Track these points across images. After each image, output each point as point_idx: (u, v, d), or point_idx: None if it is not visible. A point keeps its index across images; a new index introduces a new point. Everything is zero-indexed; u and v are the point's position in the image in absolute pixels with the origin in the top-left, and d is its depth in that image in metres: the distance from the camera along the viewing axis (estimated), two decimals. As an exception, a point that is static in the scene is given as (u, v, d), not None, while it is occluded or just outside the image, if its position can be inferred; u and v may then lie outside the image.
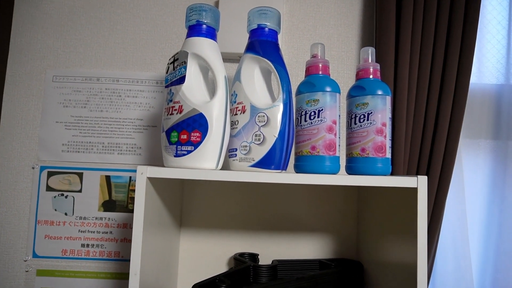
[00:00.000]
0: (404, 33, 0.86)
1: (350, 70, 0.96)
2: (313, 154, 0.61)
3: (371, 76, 0.66)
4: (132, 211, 0.91)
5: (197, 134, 0.58)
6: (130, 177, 0.92)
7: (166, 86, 0.63)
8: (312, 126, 0.61)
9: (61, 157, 0.92)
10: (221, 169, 0.60)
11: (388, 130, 0.63)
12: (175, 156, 0.59)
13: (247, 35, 0.66)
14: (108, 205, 0.91)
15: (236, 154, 0.62)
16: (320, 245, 0.88)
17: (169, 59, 0.64)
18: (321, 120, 0.61)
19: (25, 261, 0.90)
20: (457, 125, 0.88)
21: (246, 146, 0.61)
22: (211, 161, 0.59)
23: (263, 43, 0.63)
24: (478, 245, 1.05)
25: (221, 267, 0.87)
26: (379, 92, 0.63)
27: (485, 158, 1.06)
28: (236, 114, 0.63)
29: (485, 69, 1.07)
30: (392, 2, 0.87)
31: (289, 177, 0.57)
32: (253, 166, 0.60)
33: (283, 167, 0.61)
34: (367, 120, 0.63)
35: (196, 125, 0.58)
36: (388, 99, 0.64)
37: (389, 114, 0.64)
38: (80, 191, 0.91)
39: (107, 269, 0.90)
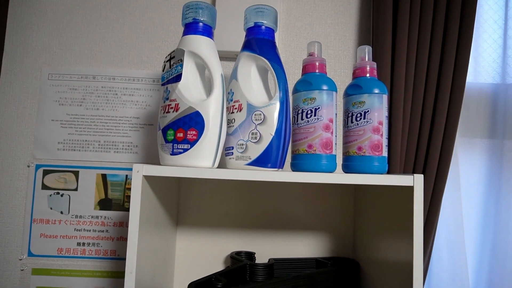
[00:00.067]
0: (401, 32, 0.86)
1: (347, 69, 0.96)
2: (310, 153, 0.61)
3: (367, 75, 0.66)
4: (128, 209, 0.90)
5: (194, 132, 0.58)
6: (127, 175, 0.91)
7: (163, 84, 0.63)
8: (309, 124, 0.61)
9: (57, 156, 0.91)
10: (217, 168, 0.60)
11: (384, 129, 0.63)
12: (171, 154, 0.59)
13: (244, 33, 0.66)
14: (104, 204, 0.91)
15: (232, 153, 0.62)
16: (316, 244, 0.88)
17: (166, 57, 0.63)
18: (318, 119, 0.61)
19: (20, 260, 0.89)
20: (453, 124, 0.88)
21: (242, 144, 0.61)
22: (208, 160, 0.59)
23: (260, 41, 0.63)
24: (474, 244, 1.05)
25: (218, 266, 0.87)
26: (376, 91, 0.63)
27: (481, 157, 1.06)
28: (232, 112, 0.63)
29: (481, 68, 1.07)
30: (389, 1, 0.88)
31: (285, 175, 0.57)
32: (250, 164, 0.60)
33: (279, 165, 0.61)
34: (364, 118, 0.63)
35: (192, 123, 0.58)
36: (385, 97, 0.64)
37: (385, 113, 0.64)
38: (76, 189, 0.91)
39: (103, 267, 0.90)
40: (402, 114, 0.86)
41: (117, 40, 0.95)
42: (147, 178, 0.58)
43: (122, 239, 0.90)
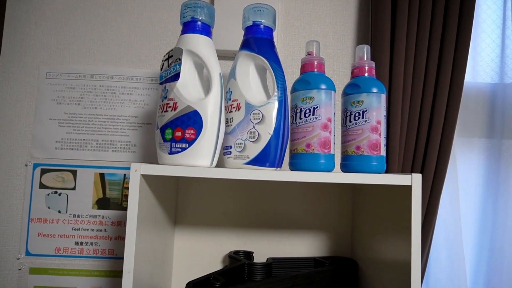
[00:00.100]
0: (399, 31, 0.86)
1: (345, 68, 0.96)
2: (308, 152, 0.61)
3: (366, 74, 0.66)
4: (126, 209, 0.89)
5: (192, 131, 0.58)
6: (125, 174, 0.91)
7: (161, 83, 0.63)
8: (307, 123, 0.61)
9: (55, 155, 0.91)
10: (215, 167, 0.60)
11: (383, 128, 0.63)
12: (169, 154, 0.59)
13: (242, 32, 0.66)
14: (102, 203, 0.90)
15: (230, 152, 0.62)
16: (314, 243, 0.88)
17: (164, 56, 0.63)
18: (316, 118, 0.61)
19: (18, 259, 0.89)
20: (451, 124, 0.88)
21: (240, 143, 0.61)
22: (206, 159, 0.59)
23: (258, 40, 0.63)
24: (472, 243, 1.06)
25: (216, 265, 0.87)
26: (374, 90, 0.63)
27: (479, 157, 1.07)
28: (231, 111, 0.63)
29: (479, 68, 1.07)
30: (388, 0, 0.87)
31: (283, 174, 0.57)
32: (248, 163, 0.60)
33: (278, 164, 0.61)
34: (362, 118, 0.63)
35: (190, 122, 0.58)
36: (383, 97, 0.64)
37: (384, 112, 0.64)
38: (74, 188, 0.90)
39: (101, 267, 0.90)
40: (401, 113, 0.86)
41: (115, 39, 0.95)
42: (145, 177, 0.58)
43: (120, 239, 0.90)
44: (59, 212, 0.90)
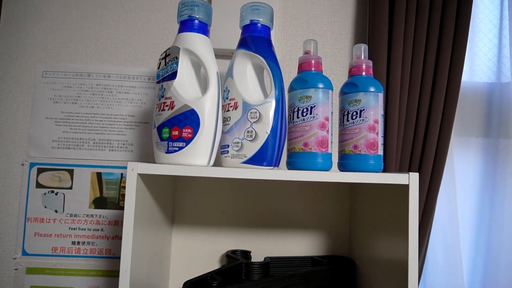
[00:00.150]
0: (396, 30, 0.87)
1: (343, 67, 0.96)
2: (306, 151, 0.61)
3: (363, 73, 0.66)
4: (123, 208, 0.90)
5: (189, 130, 0.58)
6: (122, 174, 0.91)
7: (158, 82, 0.62)
8: (305, 122, 0.61)
9: (51, 154, 0.91)
10: (213, 166, 0.60)
11: (380, 127, 0.63)
12: (166, 153, 0.59)
13: (240, 31, 0.66)
14: (99, 202, 0.90)
15: (228, 151, 0.62)
16: (312, 242, 0.88)
17: (161, 55, 0.63)
18: (314, 117, 0.61)
19: (14, 259, 0.88)
20: (448, 123, 0.89)
21: (238, 142, 0.61)
22: (203, 158, 0.59)
23: (255, 39, 0.63)
24: (469, 242, 1.06)
25: (214, 264, 0.87)
26: (372, 89, 0.63)
27: (476, 156, 1.07)
28: (228, 110, 0.63)
29: (476, 68, 1.08)
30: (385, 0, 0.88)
31: (281, 173, 0.57)
32: (245, 162, 0.60)
33: (275, 163, 0.61)
34: (360, 117, 0.63)
35: (187, 121, 0.58)
36: (381, 96, 0.64)
37: (381, 111, 0.64)
38: (70, 188, 0.90)
39: (98, 266, 0.89)
40: (398, 112, 0.86)
41: (112, 37, 0.94)
42: (142, 176, 0.58)
43: (117, 238, 0.90)
44: (56, 211, 0.89)
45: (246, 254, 0.84)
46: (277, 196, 0.89)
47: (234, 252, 0.83)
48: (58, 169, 0.90)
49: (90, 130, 0.92)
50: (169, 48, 0.62)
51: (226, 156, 0.62)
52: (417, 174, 0.58)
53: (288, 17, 0.96)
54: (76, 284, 0.89)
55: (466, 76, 1.06)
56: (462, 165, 1.06)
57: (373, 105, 0.63)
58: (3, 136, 0.91)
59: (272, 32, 0.66)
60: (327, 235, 0.89)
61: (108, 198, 0.90)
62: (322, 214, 0.89)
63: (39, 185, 0.90)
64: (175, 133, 0.58)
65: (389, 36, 0.88)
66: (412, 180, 0.58)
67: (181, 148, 0.58)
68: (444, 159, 0.89)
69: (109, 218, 0.90)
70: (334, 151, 0.65)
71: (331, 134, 0.63)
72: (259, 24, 0.63)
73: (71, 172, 0.90)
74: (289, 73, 0.94)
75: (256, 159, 0.59)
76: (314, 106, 0.61)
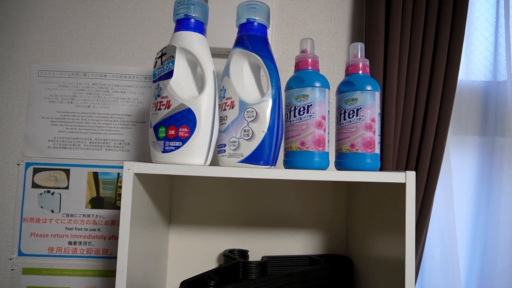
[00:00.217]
0: (393, 29, 0.87)
1: (339, 66, 0.96)
2: (302, 150, 0.61)
3: (360, 72, 0.66)
4: (120, 208, 0.89)
5: (185, 129, 0.57)
6: (118, 173, 0.91)
7: (154, 81, 0.62)
8: (302, 121, 0.61)
9: (47, 154, 0.90)
10: (209, 165, 0.60)
11: (377, 126, 0.63)
12: (163, 152, 0.59)
13: (236, 30, 0.66)
14: (96, 202, 0.90)
15: (225, 150, 0.62)
16: (309, 241, 0.88)
17: (157, 54, 0.63)
18: (311, 116, 0.61)
19: (10, 259, 0.88)
20: (445, 121, 0.89)
21: (235, 141, 0.60)
22: (200, 157, 0.58)
23: (252, 37, 0.62)
24: (466, 240, 1.06)
25: (211, 264, 0.87)
26: (368, 88, 0.63)
27: (473, 154, 1.07)
28: (225, 109, 0.62)
29: (473, 66, 1.08)
30: (382, -2, 0.88)
31: (278, 172, 0.57)
32: (242, 161, 0.60)
33: (272, 162, 0.61)
34: (356, 115, 0.63)
35: (184, 120, 0.57)
36: (377, 94, 0.64)
37: (378, 110, 0.64)
38: (67, 188, 0.90)
39: (95, 266, 0.89)
40: (395, 111, 0.87)
41: (109, 36, 0.94)
42: (139, 176, 0.57)
43: (114, 238, 0.89)
44: (52, 211, 0.89)
45: (244, 253, 0.84)
46: (274, 195, 0.89)
47: (231, 251, 0.83)
48: (54, 169, 0.90)
49: (87, 130, 0.91)
50: (165, 47, 0.61)
51: (223, 155, 0.62)
52: (414, 172, 0.58)
53: (284, 15, 0.96)
54: (73, 284, 0.88)
55: (463, 75, 1.06)
56: (458, 164, 1.06)
57: (370, 103, 0.63)
58: (-1, 136, 0.90)
59: (269, 31, 0.66)
60: (324, 234, 0.89)
61: (105, 198, 0.90)
62: (319, 213, 0.89)
63: (35, 185, 0.89)
64: (172, 132, 0.58)
65: (385, 35, 0.88)
66: (409, 178, 0.58)
67: (177, 147, 0.58)
68: (441, 158, 0.89)
69: (106, 218, 0.90)
70: (331, 150, 0.65)
71: (328, 133, 0.63)
72: (255, 23, 0.63)
73: (67, 172, 0.90)
74: (286, 72, 0.94)
75: (253, 158, 0.59)
76: (311, 105, 0.61)
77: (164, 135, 0.59)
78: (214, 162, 0.63)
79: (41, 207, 0.89)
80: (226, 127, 0.62)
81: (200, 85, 0.61)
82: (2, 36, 0.92)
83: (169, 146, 0.58)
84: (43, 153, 0.90)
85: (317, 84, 0.61)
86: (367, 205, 0.76)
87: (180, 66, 0.61)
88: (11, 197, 0.89)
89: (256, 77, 0.65)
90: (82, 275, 0.89)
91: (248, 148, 0.59)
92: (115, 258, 0.88)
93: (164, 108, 0.59)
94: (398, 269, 0.59)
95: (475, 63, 1.08)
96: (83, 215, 0.89)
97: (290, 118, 0.63)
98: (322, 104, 0.61)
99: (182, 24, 0.61)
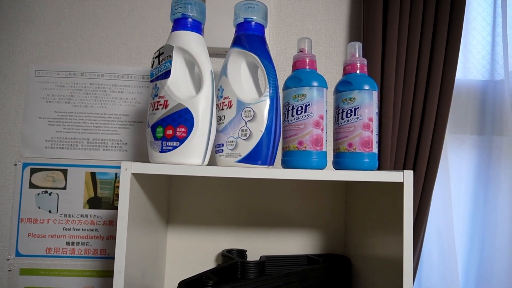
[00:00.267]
0: (391, 28, 0.87)
1: (337, 65, 0.96)
2: (300, 149, 0.61)
3: (358, 71, 0.66)
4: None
5: (183, 129, 0.57)
6: (116, 173, 0.90)
7: (151, 81, 0.62)
8: (299, 121, 0.61)
9: (45, 154, 0.90)
10: (207, 165, 0.59)
11: (375, 125, 0.63)
12: (160, 152, 0.58)
13: (234, 29, 0.66)
14: (94, 202, 0.89)
15: (222, 150, 0.62)
16: (308, 241, 0.88)
17: (154, 53, 0.63)
18: (308, 115, 0.61)
19: (8, 260, 0.88)
20: (443, 121, 0.89)
21: (232, 141, 0.60)
22: (197, 157, 0.58)
23: (249, 37, 0.62)
24: (464, 239, 1.07)
25: (209, 264, 0.87)
26: (366, 87, 0.63)
27: (470, 153, 1.07)
28: (222, 109, 0.62)
29: (470, 65, 1.08)
30: (379, -3, 0.88)
31: (276, 172, 0.57)
32: (240, 161, 0.60)
33: (270, 162, 0.61)
34: (354, 115, 0.63)
35: (181, 120, 0.57)
36: (375, 94, 0.64)
37: (376, 109, 0.64)
38: (64, 188, 0.89)
39: (93, 267, 0.89)
40: (393, 110, 0.87)
41: (106, 36, 0.93)
42: (136, 176, 0.57)
43: (112, 238, 0.89)
44: (50, 212, 0.89)
45: (242, 253, 0.84)
46: (272, 195, 0.89)
47: (229, 251, 0.83)
48: (52, 169, 0.90)
49: (84, 130, 0.91)
50: (162, 47, 0.61)
51: (220, 155, 0.62)
52: (412, 171, 0.58)
53: (282, 15, 0.96)
54: (70, 285, 0.88)
55: (460, 74, 1.06)
56: (456, 162, 1.07)
57: (367, 103, 0.63)
58: (-4, 136, 0.90)
59: (266, 30, 0.66)
60: (322, 234, 0.89)
61: (103, 198, 0.90)
62: (317, 212, 0.89)
63: (32, 186, 0.89)
64: (169, 132, 0.58)
65: (383, 34, 0.88)
66: (406, 178, 0.58)
67: (175, 147, 0.57)
68: (439, 157, 0.89)
69: (104, 218, 0.89)
70: (329, 149, 0.65)
71: (326, 133, 0.63)
72: (253, 22, 0.63)
73: (64, 172, 0.90)
74: (284, 72, 0.94)
75: (251, 158, 0.59)
76: (309, 105, 0.61)
77: (161, 135, 0.58)
78: (212, 162, 0.63)
79: (39, 208, 0.89)
80: (223, 126, 0.62)
81: (198, 85, 0.61)
82: (-1, 36, 0.92)
83: (166, 146, 0.58)
84: (41, 153, 0.90)
85: (315, 84, 0.61)
86: (365, 205, 0.76)
87: (178, 65, 0.60)
88: (8, 197, 0.89)
89: (254, 76, 0.65)
90: (80, 275, 0.88)
91: (246, 147, 0.59)
92: (113, 258, 0.88)
93: (162, 108, 0.59)
94: (396, 268, 0.59)
95: (473, 62, 1.08)
96: (81, 215, 0.89)
97: (288, 118, 0.63)
98: (320, 103, 0.61)
99: (179, 23, 0.61)
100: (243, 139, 0.59)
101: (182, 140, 0.57)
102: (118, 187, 0.90)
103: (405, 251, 0.56)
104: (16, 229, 0.88)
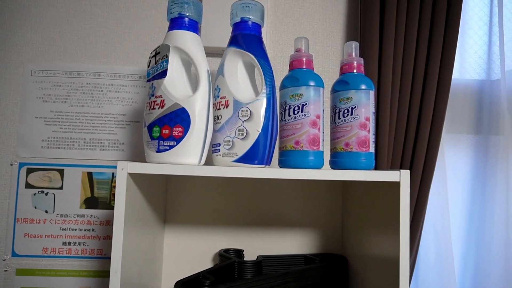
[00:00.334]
0: (388, 28, 0.87)
1: (334, 65, 0.96)
2: (297, 149, 0.61)
3: (355, 71, 0.66)
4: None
5: (179, 129, 0.57)
6: (113, 173, 0.90)
7: (148, 80, 0.62)
8: (296, 120, 0.61)
9: (41, 154, 0.89)
10: (204, 165, 0.59)
11: (371, 125, 0.63)
12: (157, 152, 0.58)
13: (231, 29, 0.65)
14: (90, 202, 0.89)
15: (219, 149, 0.62)
16: (305, 240, 0.89)
17: (151, 53, 0.62)
18: (305, 115, 0.61)
19: (4, 260, 0.87)
20: (439, 120, 0.89)
21: (229, 141, 0.60)
22: (194, 156, 0.58)
23: (246, 36, 0.62)
24: (460, 238, 1.07)
25: (206, 264, 0.86)
26: (363, 87, 0.63)
27: (467, 153, 1.08)
28: (219, 108, 0.62)
29: (467, 65, 1.08)
30: (376, -3, 0.88)
31: (272, 172, 0.57)
32: (237, 161, 0.59)
33: (266, 162, 0.61)
34: (351, 114, 0.63)
35: (178, 119, 0.57)
36: (372, 93, 0.64)
37: (372, 109, 0.64)
38: (61, 188, 0.89)
39: (89, 267, 0.89)
40: (389, 110, 0.87)
41: (102, 35, 0.93)
42: (132, 175, 0.57)
43: (108, 238, 0.89)
44: (46, 212, 0.88)
45: (239, 253, 0.84)
46: (269, 195, 0.89)
47: (226, 251, 0.83)
48: (48, 169, 0.89)
49: (81, 130, 0.91)
50: (159, 46, 0.61)
51: (217, 155, 0.62)
52: (408, 171, 0.58)
53: (279, 14, 0.96)
54: (67, 285, 0.88)
55: (457, 74, 1.07)
56: (453, 162, 1.07)
57: (364, 102, 0.63)
58: (-9, 136, 0.89)
59: (263, 30, 0.66)
60: (319, 233, 0.89)
61: (99, 198, 0.89)
62: (314, 212, 0.89)
63: (28, 186, 0.89)
64: (166, 132, 0.58)
65: (380, 34, 0.88)
66: (403, 177, 0.58)
67: (171, 147, 0.57)
68: (436, 156, 0.89)
69: (101, 218, 0.89)
70: (325, 149, 0.65)
71: (323, 132, 0.63)
72: (249, 22, 0.63)
73: (61, 172, 0.89)
74: (281, 71, 0.94)
75: (248, 158, 0.59)
76: (306, 104, 0.61)
77: (158, 134, 0.58)
78: (209, 162, 0.63)
79: (35, 208, 0.88)
80: (220, 126, 0.61)
81: (194, 85, 0.61)
82: (-5, 35, 0.91)
83: (163, 145, 0.58)
84: (37, 153, 0.89)
85: (312, 83, 0.61)
86: (362, 204, 0.76)
87: (174, 65, 0.60)
88: (4, 197, 0.88)
89: (251, 76, 0.65)
90: (76, 275, 0.88)
91: (243, 147, 0.59)
92: (110, 258, 0.88)
93: (158, 108, 0.59)
94: (393, 268, 0.59)
95: (469, 62, 1.08)
96: (78, 215, 0.89)
97: (284, 117, 0.63)
98: (316, 103, 0.61)
99: (176, 23, 0.61)
100: (240, 139, 0.59)
101: (178, 139, 0.57)
102: (115, 187, 0.90)
103: (402, 250, 0.56)
104: (12, 229, 0.88)
